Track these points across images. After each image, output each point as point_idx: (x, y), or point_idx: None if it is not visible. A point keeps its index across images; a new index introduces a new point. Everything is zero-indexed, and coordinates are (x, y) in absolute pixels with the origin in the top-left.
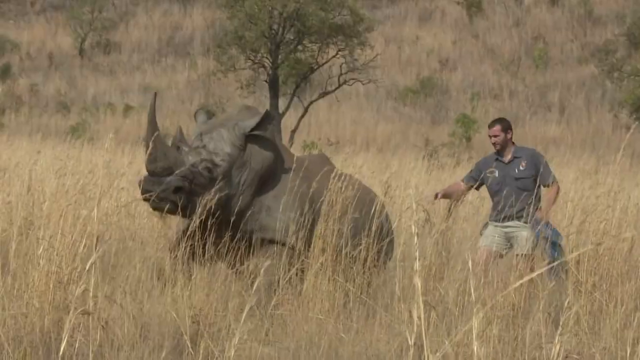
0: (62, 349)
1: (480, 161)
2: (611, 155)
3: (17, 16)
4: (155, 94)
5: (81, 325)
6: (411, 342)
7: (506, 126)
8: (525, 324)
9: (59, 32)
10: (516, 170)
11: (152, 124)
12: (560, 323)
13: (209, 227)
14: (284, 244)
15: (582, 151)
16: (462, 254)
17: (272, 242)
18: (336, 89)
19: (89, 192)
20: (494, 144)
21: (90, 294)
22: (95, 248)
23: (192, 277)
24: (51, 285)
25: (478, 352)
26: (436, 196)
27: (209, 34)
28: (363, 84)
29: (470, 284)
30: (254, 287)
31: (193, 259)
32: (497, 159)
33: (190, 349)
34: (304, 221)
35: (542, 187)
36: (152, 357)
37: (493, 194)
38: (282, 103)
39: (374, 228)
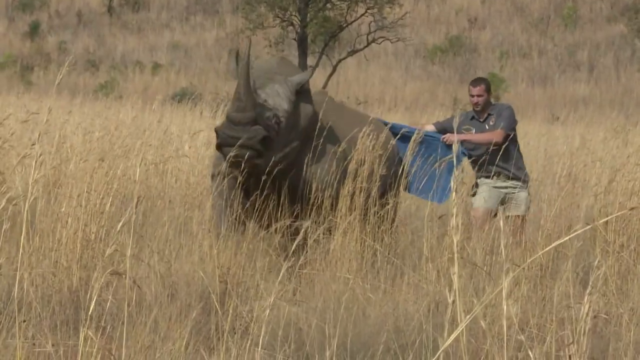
0: (91, 308)
1: (456, 116)
2: None
3: None
4: (250, 40)
5: (111, 284)
6: (450, 299)
7: (488, 86)
8: (553, 284)
9: None
10: (487, 127)
11: (246, 72)
12: (590, 283)
13: (238, 185)
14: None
15: (611, 110)
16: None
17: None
18: (365, 47)
19: (117, 149)
20: (475, 103)
21: (118, 253)
22: (136, 207)
23: (220, 236)
24: (79, 244)
25: (507, 312)
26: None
27: None
28: (392, 43)
29: (502, 244)
30: (293, 247)
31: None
32: (473, 117)
33: (218, 309)
34: (333, 177)
35: (517, 142)
36: (181, 318)
37: (471, 150)
38: (310, 61)
39: (402, 188)
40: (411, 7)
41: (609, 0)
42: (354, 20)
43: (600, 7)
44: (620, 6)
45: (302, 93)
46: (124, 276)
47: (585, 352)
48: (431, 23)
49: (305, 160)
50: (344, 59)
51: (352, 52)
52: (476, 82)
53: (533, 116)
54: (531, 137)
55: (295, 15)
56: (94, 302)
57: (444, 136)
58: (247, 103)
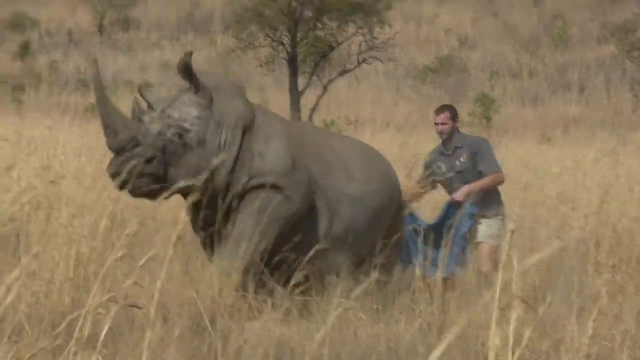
0: (79, 325)
1: (427, 159)
2: (631, 135)
3: None
4: (96, 60)
5: (103, 305)
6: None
7: (454, 113)
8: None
9: (78, 8)
10: (457, 163)
11: (101, 97)
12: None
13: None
14: (277, 187)
15: (602, 131)
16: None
17: (264, 185)
18: (355, 67)
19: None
20: (440, 132)
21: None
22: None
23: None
24: (71, 264)
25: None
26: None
27: (228, 10)
28: (382, 63)
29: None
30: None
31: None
32: (441, 152)
33: (210, 330)
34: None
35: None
36: (171, 337)
37: (446, 188)
38: (301, 81)
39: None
40: (401, 27)
41: (598, 20)
42: (344, 41)
43: (591, 27)
44: (610, 27)
45: (221, 93)
46: (116, 297)
47: None
48: (421, 43)
49: (256, 149)
50: (334, 79)
51: (343, 72)
52: (440, 109)
53: (523, 136)
54: (522, 158)
55: (285, 35)
56: (82, 320)
57: (450, 197)
58: (117, 125)
